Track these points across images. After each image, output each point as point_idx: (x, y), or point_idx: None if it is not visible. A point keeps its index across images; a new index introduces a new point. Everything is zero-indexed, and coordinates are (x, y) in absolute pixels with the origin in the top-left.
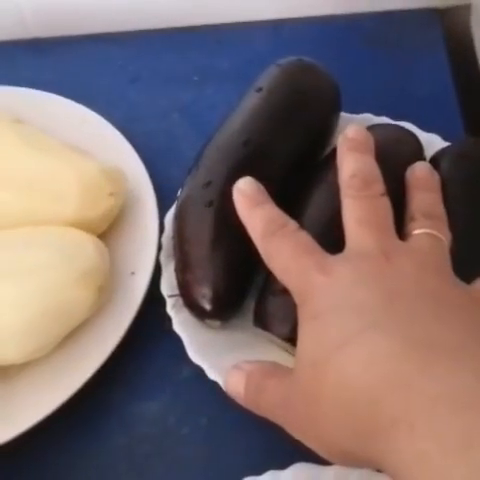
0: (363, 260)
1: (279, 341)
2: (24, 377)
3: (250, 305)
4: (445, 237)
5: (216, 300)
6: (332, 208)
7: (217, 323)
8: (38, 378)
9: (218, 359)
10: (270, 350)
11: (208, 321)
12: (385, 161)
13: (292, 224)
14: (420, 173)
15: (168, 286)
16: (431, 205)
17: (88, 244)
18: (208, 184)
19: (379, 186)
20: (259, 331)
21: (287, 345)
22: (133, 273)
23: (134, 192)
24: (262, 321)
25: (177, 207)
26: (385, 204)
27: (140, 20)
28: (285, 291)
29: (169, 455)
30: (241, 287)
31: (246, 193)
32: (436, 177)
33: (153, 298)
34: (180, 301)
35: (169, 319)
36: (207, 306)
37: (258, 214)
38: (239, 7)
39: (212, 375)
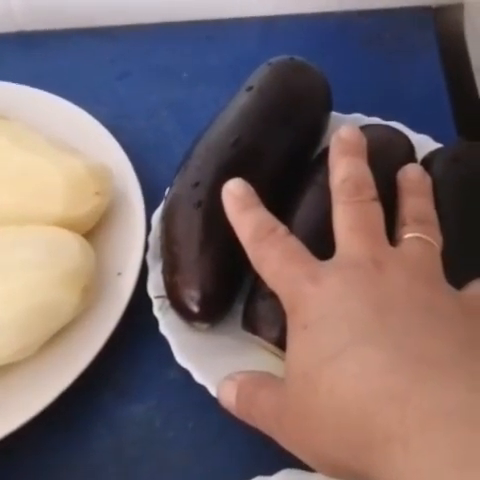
0: (354, 269)
1: (268, 345)
2: (10, 377)
3: (238, 308)
4: (437, 242)
5: (204, 303)
6: (323, 210)
7: (205, 326)
8: (24, 379)
9: (205, 362)
10: (258, 354)
11: (196, 324)
12: (376, 162)
13: (282, 229)
14: (412, 176)
15: (155, 287)
16: (422, 209)
17: (74, 244)
18: (197, 184)
19: (371, 191)
20: (247, 334)
21: (276, 349)
22: (120, 273)
23: (121, 190)
24: (251, 324)
25: (165, 207)
26: (376, 209)
27: (130, 15)
28: (274, 295)
29: (155, 458)
30: (230, 290)
31: (235, 195)
32: (428, 180)
33: (140, 299)
34: (167, 302)
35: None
36: (195, 308)
37: (247, 217)
38: (230, 2)
39: (199, 378)
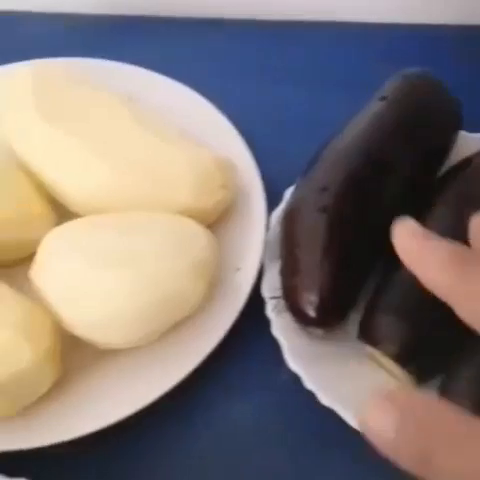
0: None
1: (383, 358)
2: (128, 363)
3: (352, 317)
4: None
5: (322, 308)
6: (450, 232)
7: (320, 332)
8: (141, 367)
9: (315, 369)
10: (369, 366)
11: (311, 329)
12: None
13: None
14: None
15: (269, 288)
16: None
17: (202, 236)
18: (324, 189)
19: None
20: (361, 345)
21: (392, 364)
22: (239, 269)
23: (243, 187)
24: (370, 336)
25: (288, 209)
26: None
27: (260, 10)
28: (397, 310)
29: (259, 459)
30: (349, 298)
31: (412, 227)
32: None
33: (253, 297)
34: (281, 304)
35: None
36: (312, 313)
37: (435, 246)
38: (358, 6)
39: (309, 384)
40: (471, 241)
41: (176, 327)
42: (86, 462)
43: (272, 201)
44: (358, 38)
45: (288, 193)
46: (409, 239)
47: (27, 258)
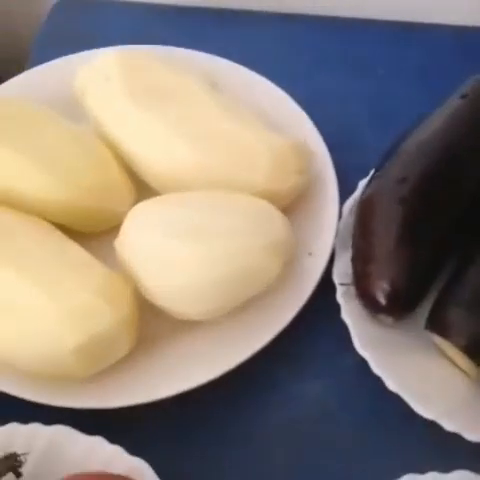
0: None
1: (449, 351)
2: (198, 335)
3: (421, 308)
4: None
5: (394, 296)
6: None
7: (389, 320)
8: (210, 340)
9: (382, 354)
10: (434, 357)
11: (381, 316)
12: None
13: None
14: None
15: (340, 274)
16: None
17: (278, 217)
18: (403, 180)
19: None
20: (429, 336)
21: (457, 356)
22: (310, 254)
23: (317, 174)
24: (439, 327)
25: (365, 198)
26: None
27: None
28: (470, 303)
29: (326, 438)
30: (421, 289)
31: None
32: None
33: (323, 282)
34: (351, 290)
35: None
36: (383, 301)
37: None
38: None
39: (376, 369)
40: None
41: (248, 304)
42: (162, 426)
43: (344, 191)
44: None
45: (362, 184)
46: None
47: (109, 231)
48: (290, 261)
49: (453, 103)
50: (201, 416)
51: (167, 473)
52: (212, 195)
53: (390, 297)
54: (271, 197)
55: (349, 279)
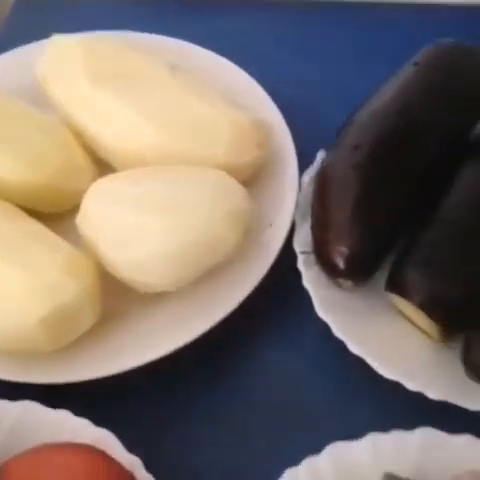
0: None
1: (408, 311)
2: (163, 307)
3: (380, 272)
4: None
5: (352, 260)
6: None
7: (349, 284)
8: (175, 310)
9: (344, 318)
10: (394, 318)
11: (340, 280)
12: None
13: None
14: None
15: (300, 243)
16: None
17: (238, 188)
18: (356, 147)
19: None
20: (388, 299)
21: (416, 316)
22: (271, 225)
23: (276, 147)
24: (397, 286)
25: (322, 166)
26: None
27: None
28: (426, 262)
29: (292, 402)
30: (378, 252)
31: None
32: None
33: (284, 252)
34: (311, 258)
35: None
36: (342, 265)
37: None
38: None
39: (338, 333)
40: None
41: (211, 275)
42: (130, 399)
43: (304, 163)
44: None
45: (320, 155)
46: None
47: (72, 210)
48: (251, 232)
49: (405, 71)
50: (168, 387)
51: (135, 444)
52: (171, 169)
53: (348, 261)
54: (231, 171)
55: (309, 247)
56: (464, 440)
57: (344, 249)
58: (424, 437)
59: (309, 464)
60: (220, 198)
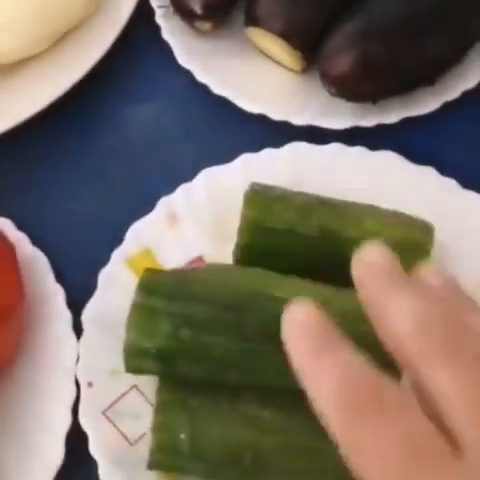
0: None
1: (269, 45)
2: (24, 72)
3: (240, 16)
4: None
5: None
6: None
7: (207, 25)
8: (36, 73)
9: (206, 64)
10: (255, 57)
11: (198, 24)
12: None
13: (395, 392)
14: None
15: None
16: None
17: None
18: None
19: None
20: (248, 41)
21: (276, 49)
22: None
23: None
24: (254, 17)
25: None
26: None
27: None
28: None
29: (164, 154)
30: None
31: (306, 328)
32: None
33: (143, 11)
34: (170, 11)
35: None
36: (197, 6)
37: (329, 366)
38: None
39: (201, 78)
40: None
41: (68, 37)
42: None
43: None
44: None
45: None
46: (300, 344)
47: None
48: None
49: None
50: (37, 151)
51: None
52: None
53: (204, 2)
54: None
55: (166, 1)
56: (333, 147)
57: None
58: (293, 150)
59: (183, 189)
60: None
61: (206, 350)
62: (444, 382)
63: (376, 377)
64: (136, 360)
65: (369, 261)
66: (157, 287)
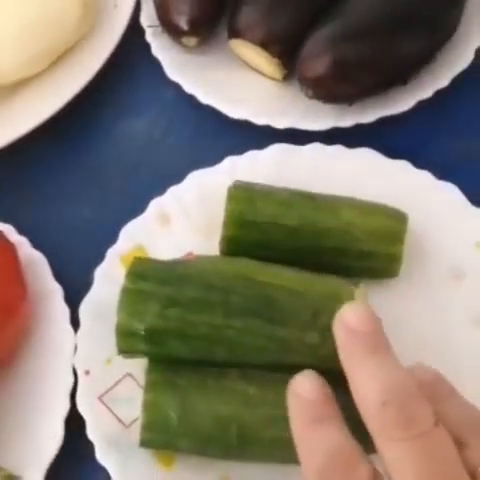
0: None
1: (253, 58)
2: (24, 90)
3: (224, 30)
4: None
5: (192, 16)
6: None
7: (193, 41)
8: (37, 89)
9: (193, 76)
10: (240, 69)
11: (185, 39)
12: None
13: (366, 469)
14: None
15: (147, 17)
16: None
17: None
18: None
19: (426, 411)
20: (230, 51)
21: (258, 60)
22: (116, 6)
23: None
24: (238, 31)
25: None
26: (443, 438)
27: None
28: (259, 4)
29: (155, 164)
30: (216, 4)
31: (306, 399)
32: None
33: (134, 31)
34: (159, 30)
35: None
36: (184, 24)
37: (319, 436)
38: None
39: (189, 89)
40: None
41: (61, 59)
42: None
43: None
44: None
45: None
46: (299, 412)
47: None
48: (98, 14)
49: None
50: (37, 162)
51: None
52: None
53: (188, 17)
54: None
55: (156, 22)
56: (313, 147)
57: (182, 7)
58: (275, 151)
59: (172, 192)
60: None
61: (193, 328)
62: (394, 455)
63: (354, 453)
64: (127, 341)
65: (348, 326)
66: (145, 272)
